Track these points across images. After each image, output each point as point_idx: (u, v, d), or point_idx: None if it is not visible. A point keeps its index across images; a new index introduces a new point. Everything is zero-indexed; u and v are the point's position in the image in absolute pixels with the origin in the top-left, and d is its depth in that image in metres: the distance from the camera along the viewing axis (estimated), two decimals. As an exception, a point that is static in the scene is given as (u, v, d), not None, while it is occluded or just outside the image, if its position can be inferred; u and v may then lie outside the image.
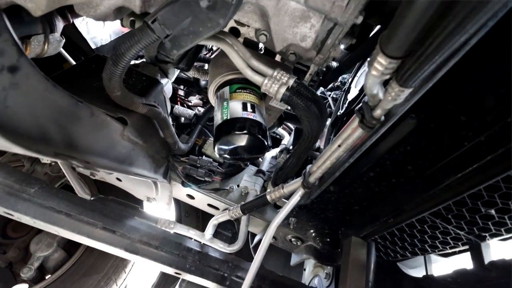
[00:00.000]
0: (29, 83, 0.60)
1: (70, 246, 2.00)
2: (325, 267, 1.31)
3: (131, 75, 1.05)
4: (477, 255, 0.85)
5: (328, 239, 1.24)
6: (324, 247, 1.26)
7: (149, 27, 0.66)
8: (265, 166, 1.60)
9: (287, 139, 2.03)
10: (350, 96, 1.33)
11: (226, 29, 0.87)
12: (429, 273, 1.00)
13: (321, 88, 1.94)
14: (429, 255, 1.05)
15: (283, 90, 0.79)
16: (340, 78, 1.87)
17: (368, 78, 0.61)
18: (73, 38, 1.56)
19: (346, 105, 1.33)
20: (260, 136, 0.83)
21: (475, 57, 0.62)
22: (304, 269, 1.52)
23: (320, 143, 1.66)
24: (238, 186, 1.44)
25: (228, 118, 0.85)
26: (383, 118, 0.71)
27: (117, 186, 1.53)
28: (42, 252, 1.86)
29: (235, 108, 0.86)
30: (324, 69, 1.19)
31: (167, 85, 1.22)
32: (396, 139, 0.82)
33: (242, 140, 0.83)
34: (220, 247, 1.36)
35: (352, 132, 0.79)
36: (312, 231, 1.29)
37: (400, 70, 0.53)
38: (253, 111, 0.86)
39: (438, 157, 0.80)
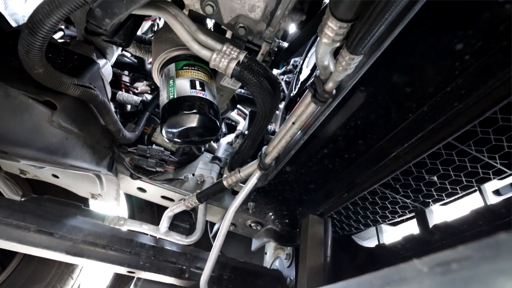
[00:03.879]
0: None
1: (3, 257, 1.76)
2: (285, 248, 1.32)
3: (60, 53, 0.91)
4: (422, 221, 0.91)
5: (287, 220, 1.25)
6: (284, 228, 1.26)
7: (72, -12, 0.56)
8: (221, 153, 1.55)
9: (242, 125, 2.00)
10: (302, 77, 1.33)
11: None
12: (381, 242, 1.06)
13: (275, 71, 1.93)
14: (380, 226, 1.11)
15: (233, 65, 0.74)
16: (291, 62, 1.87)
17: (319, 48, 0.59)
18: (-14, 15, 1.32)
19: (299, 85, 1.33)
20: (211, 116, 0.78)
21: (417, 27, 0.64)
22: (265, 253, 1.52)
23: (275, 127, 1.65)
24: (193, 175, 1.37)
25: (175, 97, 0.78)
26: (334, 91, 0.71)
27: (57, 186, 1.36)
28: (-33, 267, 1.61)
29: (183, 86, 0.79)
30: (276, 49, 1.17)
31: (105, 66, 1.09)
32: (348, 114, 0.83)
33: (192, 121, 0.77)
34: (177, 240, 1.29)
35: (305, 108, 0.77)
36: (271, 214, 1.28)
37: (350, 36, 0.52)
38: (203, 89, 0.80)
39: (386, 129, 0.83)
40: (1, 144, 0.62)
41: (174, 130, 0.81)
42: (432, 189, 0.86)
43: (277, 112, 1.65)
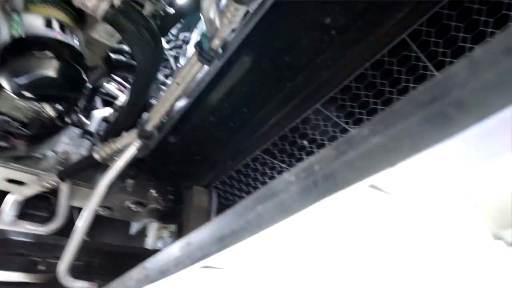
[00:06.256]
0: None
1: None
2: (169, 226, 1.26)
3: None
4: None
5: (171, 196, 1.19)
6: (168, 205, 1.19)
7: None
8: (93, 127, 1.32)
9: (123, 100, 1.78)
10: (191, 48, 1.28)
11: None
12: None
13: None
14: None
15: (104, 6, 0.63)
16: (182, 37, 1.78)
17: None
18: None
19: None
20: (73, 63, 0.64)
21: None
22: (146, 235, 1.41)
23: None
24: (54, 152, 1.13)
25: (23, 36, 0.60)
26: (220, 50, 0.70)
27: None
28: None
29: (34, 23, 0.62)
30: (162, 12, 1.08)
31: None
32: (234, 79, 0.84)
33: (47, 66, 0.62)
34: (30, 229, 1.04)
35: (191, 68, 0.74)
36: (153, 191, 1.19)
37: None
38: (63, 32, 0.65)
39: (267, 97, 0.88)
40: None
41: (23, 80, 0.63)
42: (303, 153, 0.98)
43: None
